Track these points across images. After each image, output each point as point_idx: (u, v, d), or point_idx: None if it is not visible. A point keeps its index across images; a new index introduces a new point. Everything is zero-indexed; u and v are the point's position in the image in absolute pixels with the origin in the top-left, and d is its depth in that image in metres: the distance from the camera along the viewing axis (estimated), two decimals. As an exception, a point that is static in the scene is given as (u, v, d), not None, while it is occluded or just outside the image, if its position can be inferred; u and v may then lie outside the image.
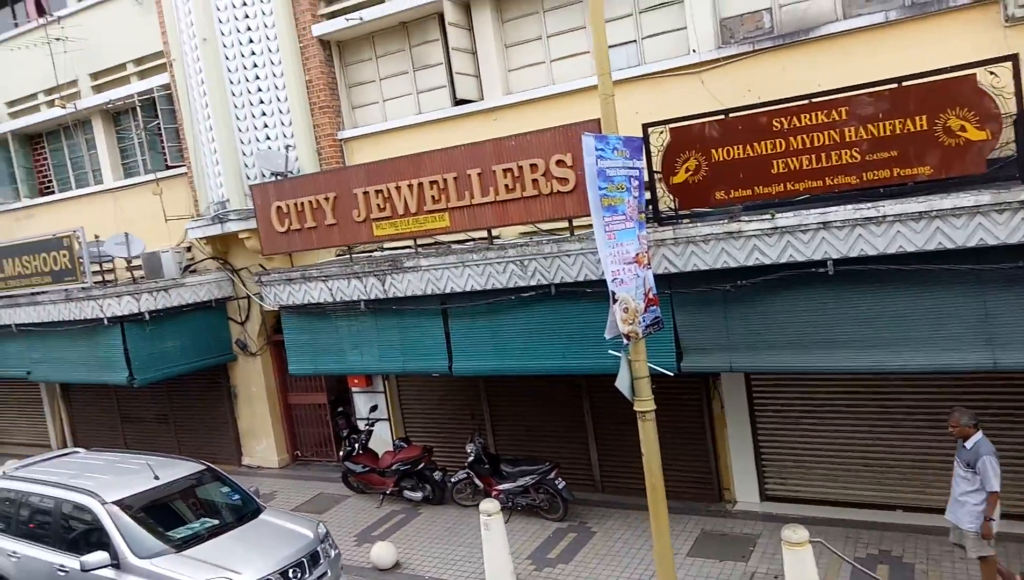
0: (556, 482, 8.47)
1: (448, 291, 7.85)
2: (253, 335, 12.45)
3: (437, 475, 9.55)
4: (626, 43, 8.78)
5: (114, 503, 6.88)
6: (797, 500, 8.14)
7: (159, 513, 7.18)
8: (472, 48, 9.67)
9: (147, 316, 11.20)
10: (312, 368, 9.50)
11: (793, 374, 7.67)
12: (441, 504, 9.65)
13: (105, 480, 7.37)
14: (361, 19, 9.99)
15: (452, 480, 9.32)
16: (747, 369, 6.51)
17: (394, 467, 9.65)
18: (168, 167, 12.83)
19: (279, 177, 10.60)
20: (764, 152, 5.82)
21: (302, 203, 8.80)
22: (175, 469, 7.69)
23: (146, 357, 11.42)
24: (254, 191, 9.33)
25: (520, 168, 7.21)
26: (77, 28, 13.07)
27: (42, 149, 14.96)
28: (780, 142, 5.90)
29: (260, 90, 10.88)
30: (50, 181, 15.00)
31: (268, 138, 10.96)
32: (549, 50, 9.31)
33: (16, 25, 14.31)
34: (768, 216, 5.92)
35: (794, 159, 5.90)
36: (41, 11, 13.82)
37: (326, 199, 8.58)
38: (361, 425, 10.72)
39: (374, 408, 10.68)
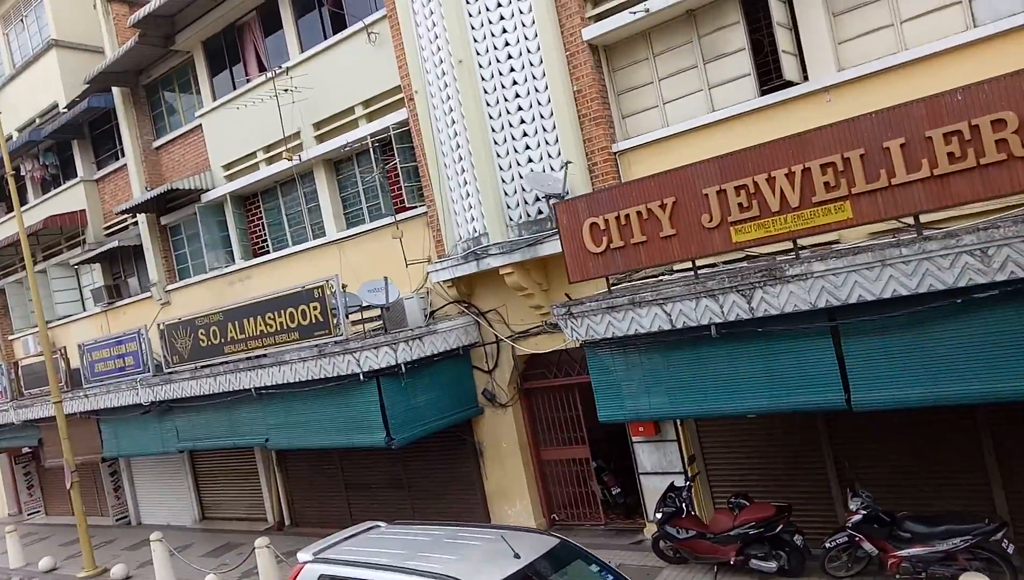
0: (1003, 544, 6.45)
1: (855, 301, 6.18)
2: (503, 384, 11.17)
3: (797, 539, 7.68)
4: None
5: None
6: None
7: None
8: (789, 23, 8.27)
9: (403, 368, 10.15)
10: (630, 413, 7.97)
11: None
12: (800, 576, 7.74)
13: (454, 561, 5.96)
14: (648, 10, 8.83)
15: (827, 545, 7.42)
16: None
17: (735, 531, 7.85)
18: (398, 210, 12.02)
19: (555, 199, 9.42)
20: None
21: (626, 215, 7.46)
22: (527, 543, 6.18)
23: (402, 414, 10.33)
24: (558, 209, 8.10)
25: (975, 128, 5.57)
26: (301, 79, 12.70)
27: (256, 209, 14.65)
28: None
29: (520, 109, 9.86)
30: (264, 241, 14.62)
31: (531, 161, 9.86)
32: (897, 11, 7.76)
33: (235, 87, 14.23)
34: None
35: None
36: (262, 68, 13.68)
37: (661, 206, 7.21)
38: (678, 481, 9.02)
39: (692, 459, 8.99)
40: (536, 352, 10.66)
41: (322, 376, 10.44)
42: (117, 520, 17.85)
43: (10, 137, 19.40)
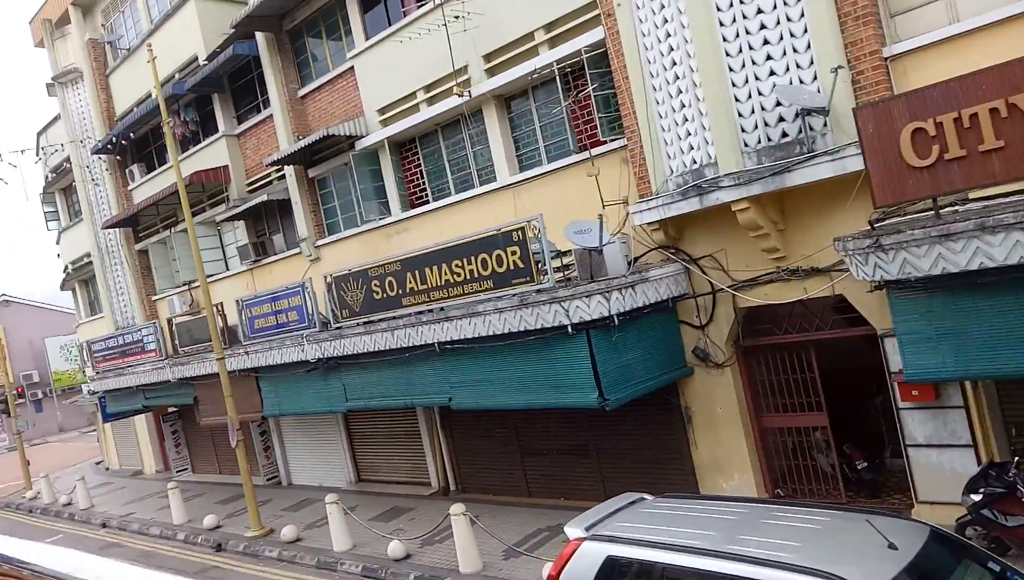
0: None
1: None
2: (719, 341, 9.78)
3: None
4: None
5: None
6: None
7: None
8: None
9: (616, 320, 8.92)
10: (959, 371, 6.44)
11: None
12: None
13: (804, 549, 4.65)
14: None
15: None
16: None
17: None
18: (589, 146, 10.69)
19: (815, 115, 7.88)
20: None
21: (972, 115, 5.85)
22: (894, 529, 4.79)
23: (613, 372, 9.14)
24: (860, 115, 6.58)
25: None
26: (470, 4, 11.45)
27: (414, 155, 13.65)
28: None
29: (761, 12, 8.26)
30: (422, 190, 13.63)
31: (773, 73, 8.28)
32: None
33: (390, 23, 13.18)
34: None
35: None
36: (419, 1, 12.54)
37: (1034, 99, 5.57)
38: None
39: (1020, 429, 7.38)
40: (766, 303, 9.21)
41: (522, 329, 9.34)
42: (268, 480, 17.67)
43: (149, 95, 19.23)
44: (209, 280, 18.47)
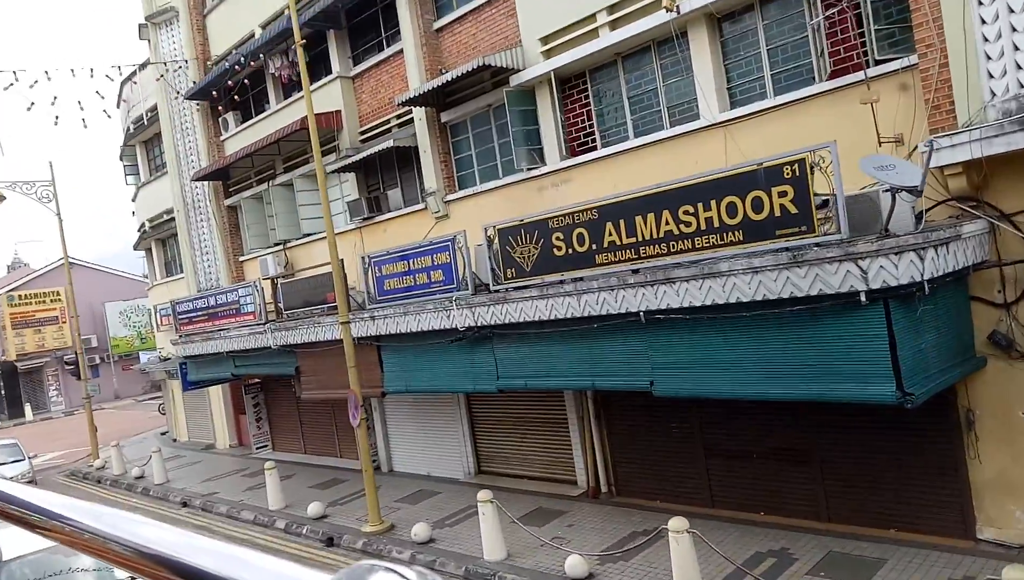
0: None
1: None
2: (1033, 326, 7.45)
3: None
4: None
5: None
6: None
7: None
8: None
9: (926, 288, 6.65)
10: None
11: None
12: None
13: None
14: None
15: None
16: None
17: None
18: (835, 74, 8.43)
19: None
20: None
21: None
22: None
23: (912, 358, 6.92)
24: None
25: None
26: None
27: (581, 92, 11.50)
28: None
29: None
30: (588, 134, 11.48)
31: None
32: None
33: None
34: None
35: None
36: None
37: None
38: None
39: None
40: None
41: (786, 295, 7.12)
42: (366, 465, 15.73)
43: (252, 35, 17.48)
44: (308, 239, 16.81)
